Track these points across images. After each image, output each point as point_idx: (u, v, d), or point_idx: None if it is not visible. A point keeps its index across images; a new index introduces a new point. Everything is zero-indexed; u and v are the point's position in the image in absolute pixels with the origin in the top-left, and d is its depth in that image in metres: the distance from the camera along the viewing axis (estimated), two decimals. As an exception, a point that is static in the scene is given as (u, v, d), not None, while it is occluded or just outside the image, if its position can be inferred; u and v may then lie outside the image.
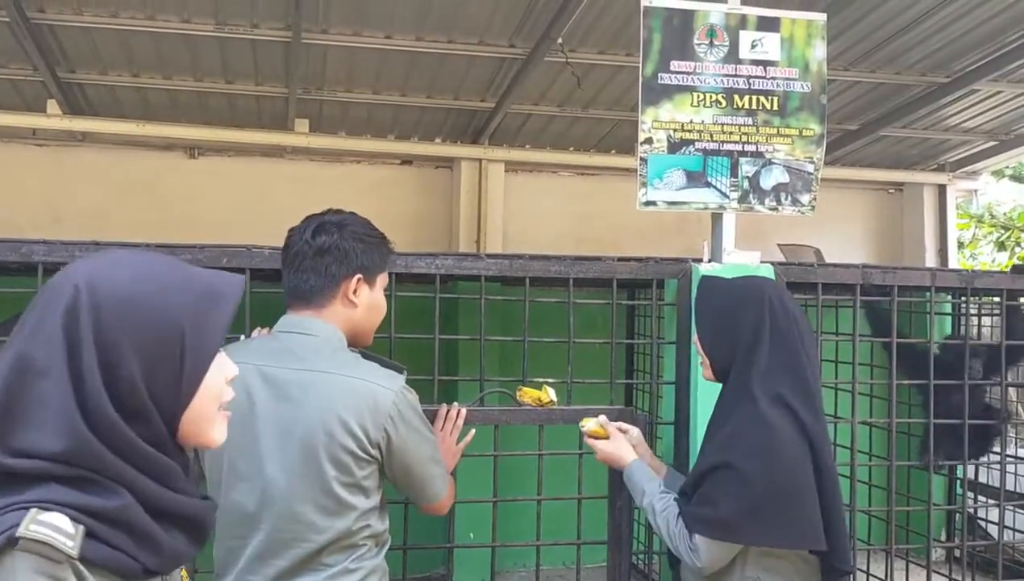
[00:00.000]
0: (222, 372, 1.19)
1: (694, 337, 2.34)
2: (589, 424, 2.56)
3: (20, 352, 1.05)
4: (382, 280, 2.06)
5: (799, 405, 2.13)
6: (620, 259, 3.09)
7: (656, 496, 2.30)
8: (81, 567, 1.01)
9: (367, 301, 2.00)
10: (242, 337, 2.34)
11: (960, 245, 9.07)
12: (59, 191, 5.85)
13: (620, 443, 2.50)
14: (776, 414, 2.11)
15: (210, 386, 1.16)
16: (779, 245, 5.65)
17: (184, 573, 1.26)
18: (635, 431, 2.58)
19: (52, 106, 5.34)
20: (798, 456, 2.09)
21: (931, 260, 7.09)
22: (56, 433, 1.03)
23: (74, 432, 1.03)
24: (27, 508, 1.00)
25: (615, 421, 2.60)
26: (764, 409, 2.11)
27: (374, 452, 1.85)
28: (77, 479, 1.03)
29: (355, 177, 6.33)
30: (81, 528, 1.01)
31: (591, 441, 2.54)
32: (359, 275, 1.97)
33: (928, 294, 3.57)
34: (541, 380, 2.85)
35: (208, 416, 1.17)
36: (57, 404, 1.03)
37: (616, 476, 2.65)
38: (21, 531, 0.97)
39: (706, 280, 2.36)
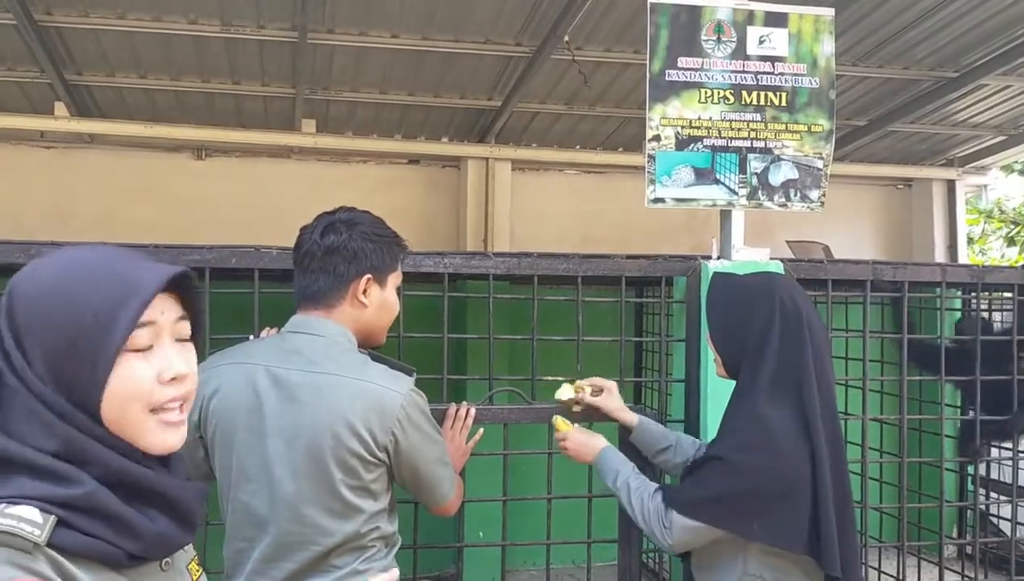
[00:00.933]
0: (150, 371, 1.10)
1: (706, 334, 2.33)
2: (560, 420, 2.59)
3: None
4: (394, 279, 2.04)
5: (803, 404, 2.12)
6: (629, 257, 3.08)
7: (632, 475, 2.33)
8: (59, 557, 1.00)
9: (378, 301, 1.98)
10: (251, 337, 2.34)
11: (969, 241, 9.03)
12: (67, 193, 5.87)
13: (591, 435, 2.53)
14: (776, 412, 2.10)
15: (122, 389, 1.07)
16: (787, 242, 5.62)
17: (195, 565, 1.24)
18: (611, 384, 2.66)
19: (60, 108, 5.35)
20: (792, 455, 2.07)
21: (940, 256, 7.06)
22: (26, 420, 1.04)
23: (32, 411, 1.04)
24: None
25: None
26: (764, 406, 2.10)
27: (381, 455, 1.84)
28: (46, 470, 1.03)
29: (362, 177, 6.34)
30: (52, 518, 1.01)
31: (560, 441, 2.55)
32: (369, 275, 1.95)
33: (938, 290, 3.54)
34: (560, 379, 2.85)
35: (130, 421, 1.09)
36: (18, 394, 1.04)
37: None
38: None
39: (718, 276, 2.35)
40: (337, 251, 1.93)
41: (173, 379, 1.13)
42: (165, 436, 1.13)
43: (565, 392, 2.67)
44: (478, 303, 4.47)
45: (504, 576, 3.04)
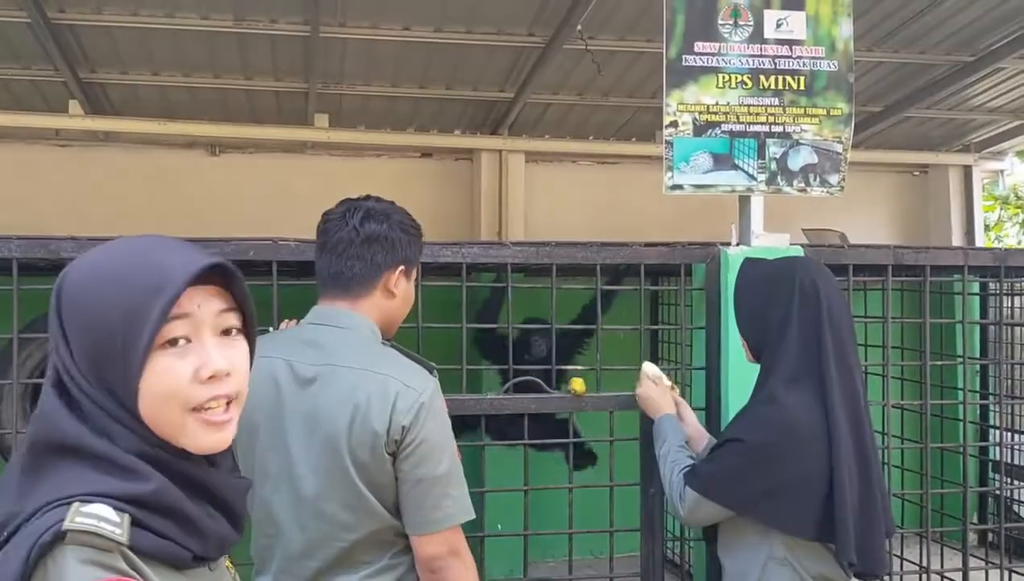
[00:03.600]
0: (186, 369, 1.05)
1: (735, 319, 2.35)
2: (652, 368, 2.64)
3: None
4: (416, 272, 2.04)
5: (822, 389, 2.12)
6: (648, 244, 3.07)
7: (674, 447, 2.37)
8: (132, 555, 0.98)
9: (403, 292, 1.97)
10: (270, 329, 2.33)
11: (986, 227, 8.96)
12: (83, 191, 5.88)
13: (666, 394, 2.58)
14: (793, 396, 2.11)
15: (158, 386, 1.03)
16: (803, 229, 5.59)
17: (229, 563, 1.22)
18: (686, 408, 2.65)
19: (74, 106, 5.36)
20: (808, 440, 2.08)
21: (957, 243, 7.00)
22: (79, 416, 1.03)
23: (102, 418, 1.02)
24: (68, 503, 0.97)
25: None
26: (782, 390, 2.12)
27: (393, 451, 1.79)
28: (113, 463, 1.01)
29: (375, 171, 6.33)
30: (127, 517, 0.99)
31: (643, 378, 2.62)
32: (402, 266, 1.94)
33: (958, 275, 3.51)
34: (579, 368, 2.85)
35: (168, 420, 1.04)
36: (77, 394, 1.03)
37: (648, 463, 2.64)
38: (67, 524, 0.95)
39: (746, 262, 2.36)
40: (377, 240, 1.90)
41: (212, 377, 1.06)
42: (208, 437, 1.07)
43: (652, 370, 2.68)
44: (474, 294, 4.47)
45: (527, 566, 3.04)
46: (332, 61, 5.07)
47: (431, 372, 1.89)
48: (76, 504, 0.97)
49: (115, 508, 0.98)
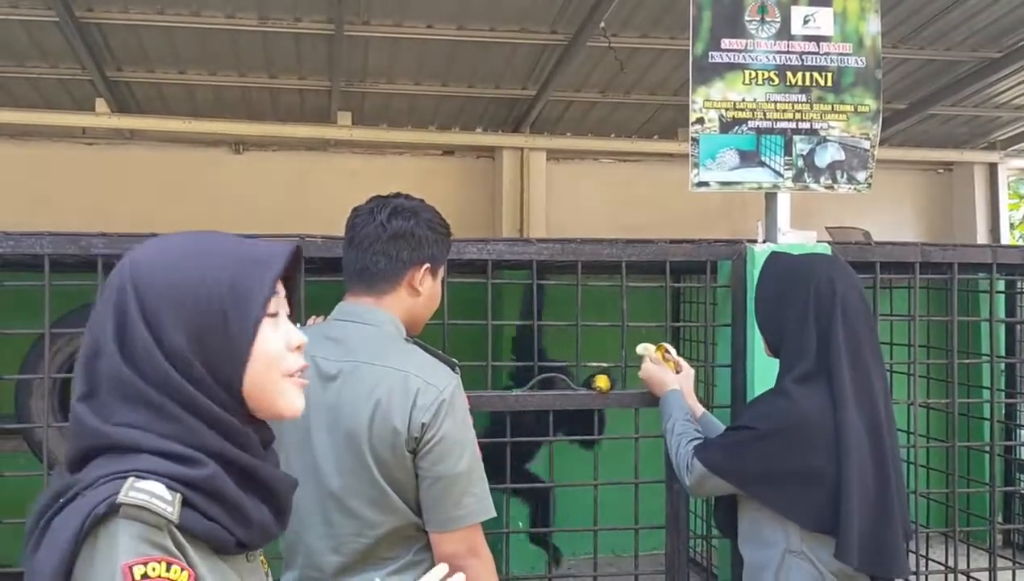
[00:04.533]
0: (281, 339, 1.15)
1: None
2: (647, 348, 2.66)
3: (88, 336, 1.10)
4: (442, 271, 2.04)
5: (832, 386, 2.12)
6: (673, 241, 3.06)
7: (680, 420, 2.43)
8: (179, 535, 1.01)
9: (429, 291, 1.97)
10: (297, 325, 2.34)
11: (1011, 225, 8.87)
12: (108, 188, 5.94)
13: (668, 371, 2.62)
14: (803, 393, 2.12)
15: (265, 352, 1.12)
16: (827, 228, 5.56)
17: (263, 558, 1.25)
18: (687, 370, 2.68)
19: (100, 105, 5.41)
20: (813, 434, 2.10)
21: (983, 241, 6.94)
22: (142, 407, 1.05)
23: (149, 402, 1.05)
24: (124, 477, 1.01)
25: None
26: (792, 386, 2.14)
27: (413, 447, 1.78)
28: (167, 452, 1.04)
29: (398, 169, 6.35)
30: (178, 496, 1.02)
31: (646, 359, 2.64)
32: (428, 264, 1.94)
33: (984, 273, 3.49)
34: (595, 364, 2.85)
35: (270, 385, 1.14)
36: (126, 379, 1.06)
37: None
38: (121, 497, 0.98)
39: (771, 256, 2.36)
40: (403, 237, 1.90)
41: (298, 347, 1.18)
42: (299, 400, 1.19)
43: (649, 347, 2.70)
44: (514, 292, 4.47)
45: (551, 563, 3.04)
46: (355, 59, 5.09)
47: (453, 369, 1.89)
48: (131, 479, 1.00)
49: (168, 487, 1.02)
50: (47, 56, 4.99)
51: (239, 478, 1.09)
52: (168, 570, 0.98)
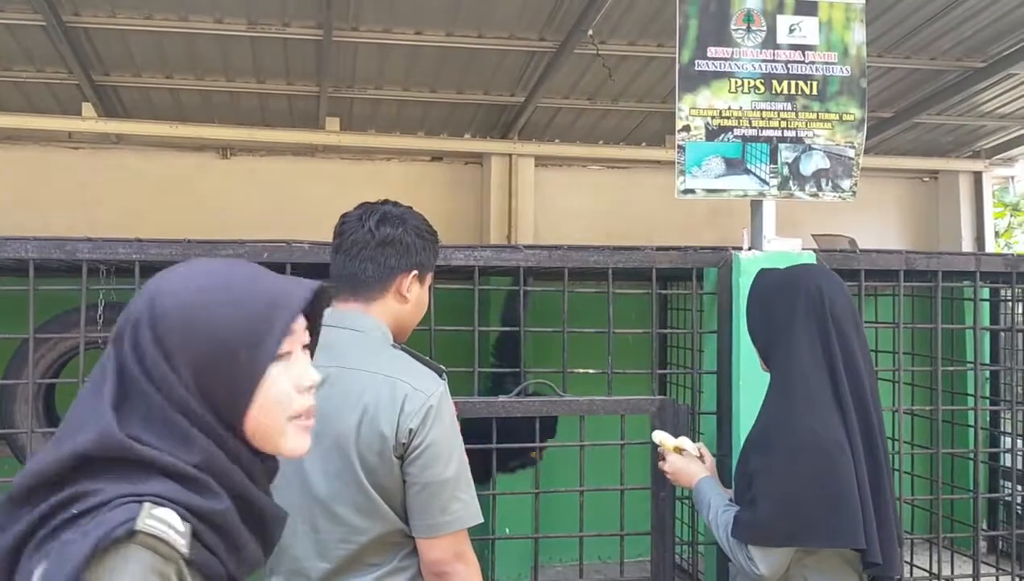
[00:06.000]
0: (292, 381, 1.16)
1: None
2: (665, 438, 2.55)
3: (113, 349, 1.10)
4: (430, 278, 2.05)
5: (836, 396, 2.11)
6: (659, 249, 3.07)
7: (721, 509, 2.28)
8: (185, 569, 1.01)
9: (416, 297, 1.98)
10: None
11: (995, 234, 8.93)
12: (95, 192, 5.91)
13: (692, 461, 2.50)
14: (808, 409, 2.09)
15: (271, 395, 1.13)
16: (813, 235, 5.59)
17: None
18: (710, 458, 2.58)
19: (87, 109, 5.38)
20: (830, 452, 2.06)
21: (968, 249, 6.98)
22: (160, 426, 1.05)
23: (173, 424, 1.06)
24: (141, 501, 1.00)
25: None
26: (792, 407, 2.10)
27: (400, 454, 1.79)
28: (188, 478, 1.04)
29: (386, 174, 6.35)
30: (189, 526, 1.02)
31: (666, 452, 2.54)
32: (416, 271, 1.96)
33: (969, 281, 3.51)
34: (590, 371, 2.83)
35: (273, 426, 1.14)
36: (154, 401, 1.06)
37: (658, 467, 2.64)
38: (139, 524, 0.98)
39: (760, 272, 2.36)
40: (391, 243, 1.92)
41: (309, 387, 1.19)
42: (302, 442, 1.18)
43: (666, 438, 2.59)
44: (500, 298, 4.48)
45: (537, 569, 3.04)
46: (344, 65, 5.09)
47: (440, 375, 1.89)
48: (148, 505, 1.00)
49: (181, 516, 1.02)
50: (34, 60, 4.97)
51: (242, 510, 1.10)
52: None
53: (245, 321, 1.10)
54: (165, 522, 1.00)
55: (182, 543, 1.00)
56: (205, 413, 1.07)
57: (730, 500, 2.30)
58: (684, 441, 2.55)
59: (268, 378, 1.12)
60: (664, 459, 2.55)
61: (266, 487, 1.17)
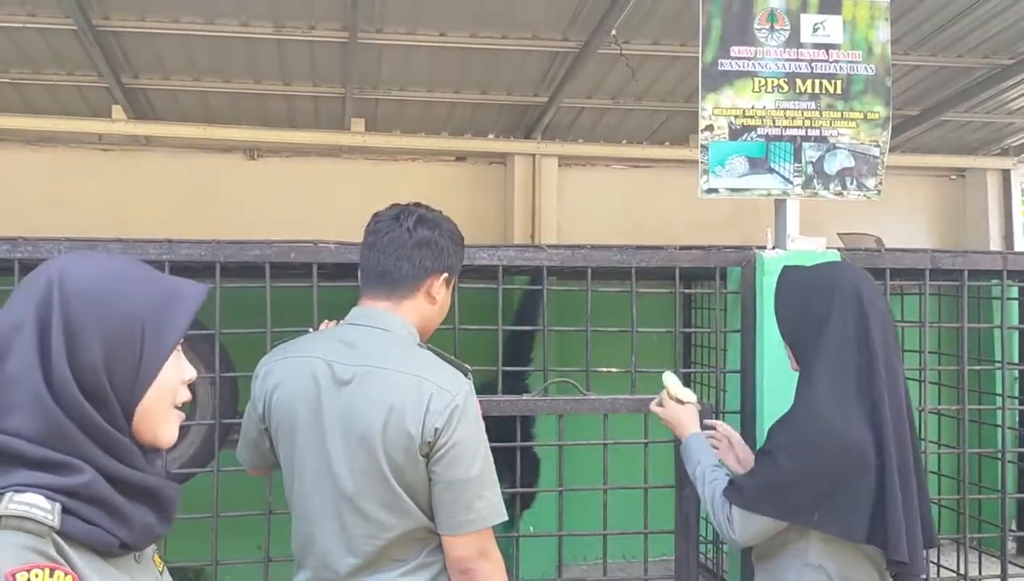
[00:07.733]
0: (179, 372, 1.24)
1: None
2: (672, 383, 2.55)
3: None
4: (455, 282, 2.09)
5: (869, 390, 2.11)
6: (682, 248, 3.08)
7: (709, 467, 2.32)
8: (62, 542, 1.05)
9: (443, 299, 2.02)
10: (310, 329, 2.37)
11: (1024, 232, 8.83)
12: (124, 194, 5.99)
13: (691, 412, 2.51)
14: (836, 401, 2.09)
15: (165, 382, 1.20)
16: (839, 234, 5.56)
17: (157, 558, 1.29)
18: (736, 438, 2.59)
19: (117, 111, 5.46)
20: (853, 443, 2.07)
21: (995, 247, 6.91)
22: (30, 414, 1.08)
23: (46, 412, 1.08)
24: (2, 493, 1.05)
25: None
26: (823, 395, 2.11)
27: (426, 452, 1.81)
28: (44, 461, 1.07)
29: (410, 175, 6.39)
30: (57, 505, 1.05)
31: (664, 396, 2.54)
32: (446, 274, 2.00)
33: (996, 279, 3.48)
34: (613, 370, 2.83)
35: (160, 412, 1.21)
36: (27, 385, 1.09)
37: (683, 465, 2.64)
38: (1, 511, 1.03)
39: (786, 269, 2.35)
40: (427, 245, 1.96)
41: (188, 381, 1.28)
42: (172, 430, 1.26)
43: (674, 384, 2.58)
44: (512, 297, 4.49)
45: (561, 566, 3.06)
46: (369, 66, 5.13)
47: (466, 374, 1.92)
48: (10, 493, 1.04)
49: (47, 497, 1.06)
50: (64, 63, 5.04)
51: (122, 488, 1.13)
52: (51, 576, 1.02)
53: (157, 309, 1.18)
54: (28, 503, 1.04)
55: (50, 518, 1.04)
56: (108, 394, 1.13)
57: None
58: (688, 394, 2.54)
59: (166, 365, 1.20)
60: (661, 404, 2.55)
61: (146, 466, 1.20)
